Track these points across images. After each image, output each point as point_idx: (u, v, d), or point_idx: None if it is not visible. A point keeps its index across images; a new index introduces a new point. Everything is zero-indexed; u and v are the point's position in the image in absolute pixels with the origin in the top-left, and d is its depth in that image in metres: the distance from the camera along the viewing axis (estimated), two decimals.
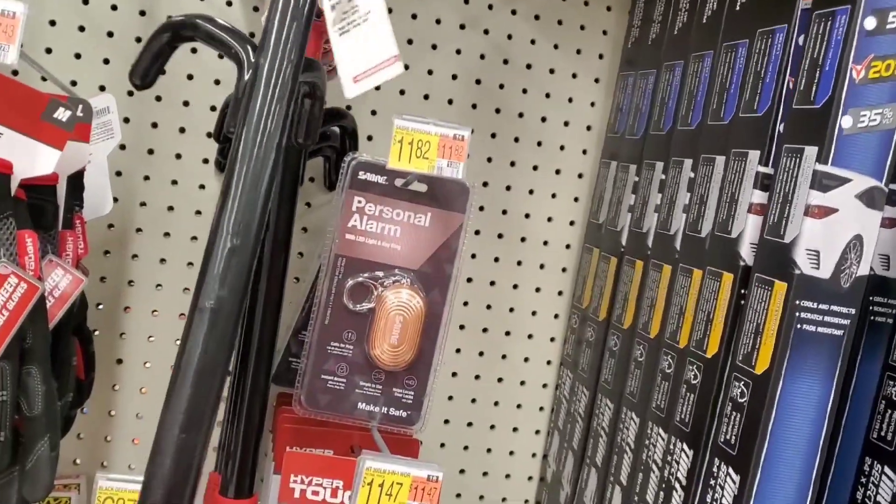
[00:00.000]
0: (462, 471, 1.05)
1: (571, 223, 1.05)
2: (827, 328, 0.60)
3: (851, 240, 0.59)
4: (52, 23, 0.88)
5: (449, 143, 0.67)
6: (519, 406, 1.06)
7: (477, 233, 1.02)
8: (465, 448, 1.05)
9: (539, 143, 1.02)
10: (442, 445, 1.04)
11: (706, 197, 0.73)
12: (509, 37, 0.99)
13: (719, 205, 0.71)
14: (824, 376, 0.60)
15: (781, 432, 0.60)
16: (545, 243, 1.05)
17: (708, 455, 0.67)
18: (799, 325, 0.60)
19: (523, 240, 1.04)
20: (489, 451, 1.06)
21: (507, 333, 1.05)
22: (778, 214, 0.62)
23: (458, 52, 0.98)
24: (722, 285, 0.68)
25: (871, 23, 0.57)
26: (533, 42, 1.00)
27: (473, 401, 1.05)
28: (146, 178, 0.92)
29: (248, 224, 0.53)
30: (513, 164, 1.02)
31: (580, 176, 1.04)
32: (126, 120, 0.90)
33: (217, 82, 0.92)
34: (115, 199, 0.90)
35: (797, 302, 0.59)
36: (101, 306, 0.93)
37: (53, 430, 0.62)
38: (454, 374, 1.03)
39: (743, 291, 0.66)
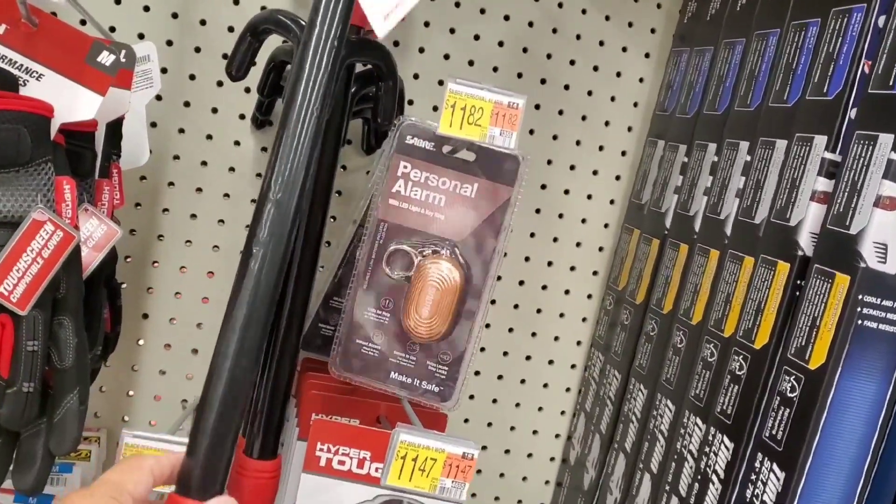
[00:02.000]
0: (484, 447, 1.04)
1: (612, 202, 1.02)
2: (890, 325, 0.57)
3: None
4: None
5: (503, 110, 0.64)
6: (545, 385, 1.04)
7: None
8: (489, 425, 1.03)
9: (584, 118, 0.99)
10: (466, 421, 1.03)
11: (763, 182, 0.70)
12: (560, 5, 0.96)
13: (778, 191, 0.68)
14: (882, 375, 0.58)
15: (833, 430, 0.58)
16: (583, 221, 1.02)
17: (750, 449, 0.65)
18: (860, 321, 0.57)
19: (561, 216, 1.01)
20: (512, 428, 1.04)
21: (539, 311, 1.03)
22: (844, 204, 0.59)
23: (507, 17, 0.95)
24: (776, 274, 0.65)
25: None
26: (584, 12, 0.97)
27: (500, 377, 1.03)
28: (181, 130, 0.90)
29: (292, 182, 0.52)
30: (555, 137, 0.99)
31: (623, 154, 1.01)
32: (164, 70, 0.88)
33: None
34: (150, 151, 0.89)
35: (860, 297, 0.57)
36: (129, 259, 0.92)
37: (83, 384, 0.60)
38: (482, 350, 1.01)
39: (799, 282, 0.63)
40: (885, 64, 0.58)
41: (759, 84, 0.74)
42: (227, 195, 0.92)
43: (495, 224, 0.69)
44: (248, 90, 0.90)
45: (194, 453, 0.52)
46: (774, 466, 0.61)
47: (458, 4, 0.94)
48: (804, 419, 0.59)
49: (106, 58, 0.57)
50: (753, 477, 0.64)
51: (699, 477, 0.71)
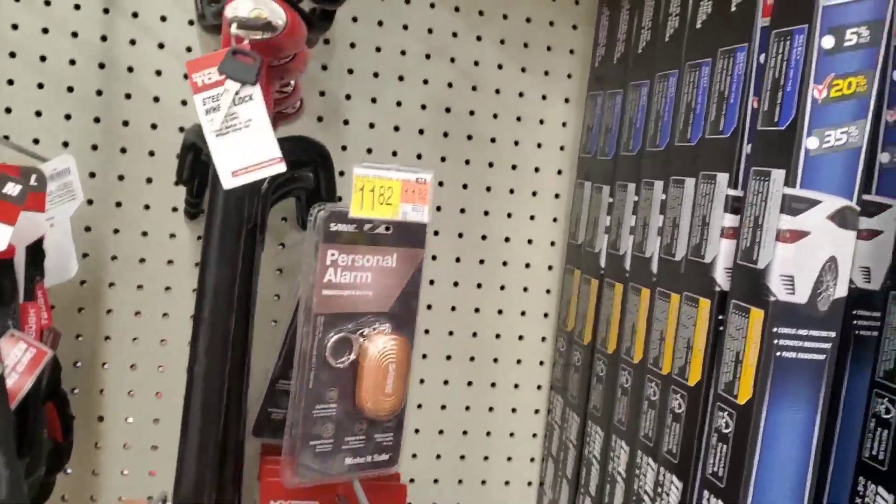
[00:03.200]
0: None
1: (552, 244, 1.03)
2: (807, 354, 0.58)
3: (826, 262, 0.58)
4: (10, 82, 0.87)
5: (412, 186, 0.65)
6: (512, 434, 1.05)
7: (457, 260, 1.01)
8: (460, 482, 1.04)
9: (514, 167, 1.01)
10: (435, 481, 1.03)
11: (678, 220, 0.72)
12: (476, 63, 0.98)
13: (692, 228, 0.69)
14: (808, 403, 0.59)
15: (769, 463, 0.59)
16: (527, 266, 1.03)
17: (697, 487, 0.65)
18: (778, 353, 0.58)
19: (505, 264, 1.03)
20: (484, 482, 1.04)
21: (496, 360, 1.04)
22: (750, 239, 0.61)
23: (426, 81, 0.97)
24: (699, 311, 0.67)
25: (829, 42, 0.56)
26: (500, 66, 0.99)
27: (465, 433, 1.03)
28: (116, 230, 0.91)
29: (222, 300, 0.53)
30: (489, 188, 1.01)
31: (557, 196, 1.03)
32: (92, 175, 0.89)
33: (181, 129, 0.90)
34: (86, 255, 0.89)
35: (774, 329, 0.58)
36: (78, 364, 0.92)
37: None
38: (443, 407, 1.02)
39: (721, 317, 0.65)
40: (769, 100, 0.60)
41: (664, 124, 0.76)
42: (168, 288, 0.93)
43: (415, 286, 0.70)
44: (177, 183, 0.91)
45: None
46: (720, 503, 0.62)
47: (376, 75, 0.95)
48: (741, 454, 0.60)
49: (12, 188, 0.58)
50: None
51: None
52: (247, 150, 0.59)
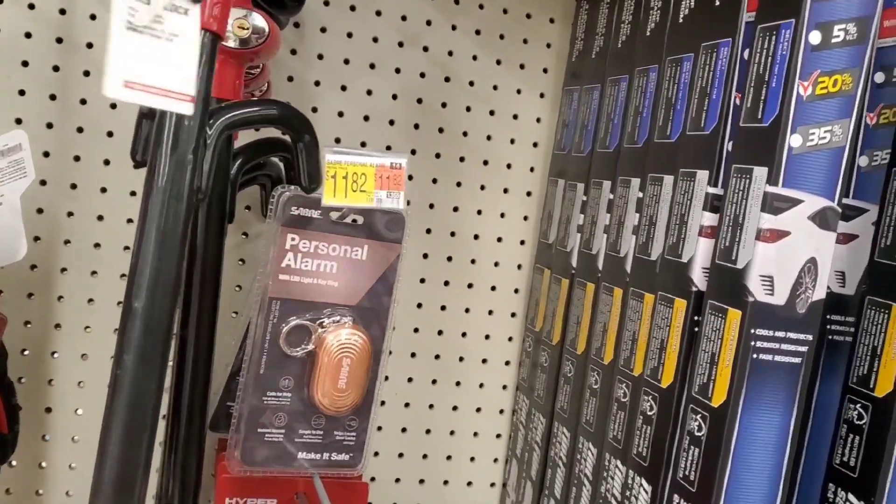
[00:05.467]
0: None
1: (522, 242, 1.01)
2: (784, 356, 0.57)
3: (806, 263, 0.57)
4: None
5: (386, 172, 0.63)
6: (476, 434, 1.03)
7: (425, 256, 0.98)
8: (421, 482, 1.01)
9: (485, 162, 0.99)
10: (397, 480, 1.00)
11: (655, 218, 0.70)
12: (450, 53, 0.96)
13: (669, 227, 0.68)
14: (784, 407, 0.57)
15: (741, 468, 0.57)
16: (496, 264, 1.01)
17: (667, 491, 0.64)
18: (755, 355, 0.57)
19: (473, 261, 1.01)
20: (446, 483, 1.02)
21: (461, 359, 1.01)
22: (729, 238, 0.59)
23: (398, 70, 0.95)
24: (675, 312, 0.65)
25: (815, 37, 0.55)
26: (475, 58, 0.97)
27: (428, 431, 1.01)
28: (70, 213, 0.87)
29: (153, 285, 0.49)
30: (459, 184, 0.98)
31: (528, 194, 1.01)
32: (46, 154, 0.85)
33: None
34: (37, 238, 0.85)
35: (752, 330, 0.57)
36: (26, 352, 0.88)
37: None
38: (407, 405, 0.99)
39: (696, 318, 0.63)
40: (753, 97, 0.59)
41: (643, 120, 0.75)
42: (123, 275, 0.89)
43: (388, 282, 0.67)
44: (136, 165, 0.88)
45: None
46: None
47: (346, 61, 0.93)
48: (713, 458, 0.58)
49: None
50: None
51: None
52: (156, 67, 0.46)
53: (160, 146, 0.50)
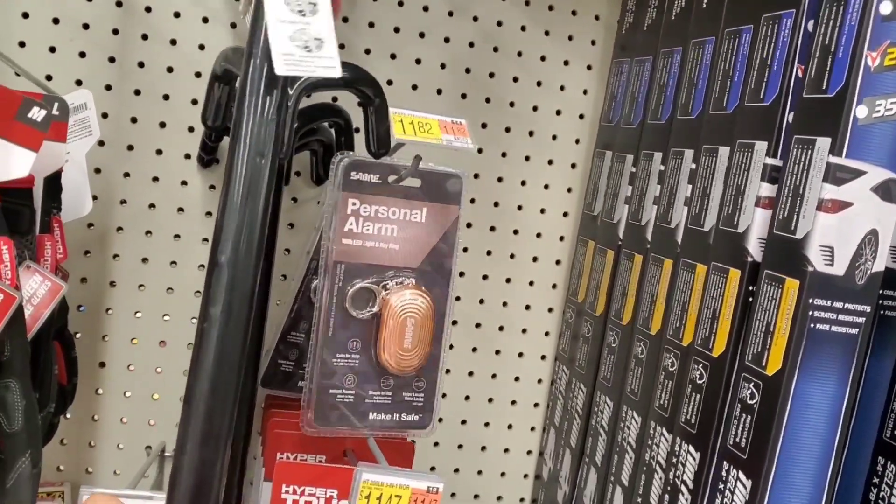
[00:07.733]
0: (457, 470, 1.03)
1: (565, 214, 1.02)
2: (841, 327, 0.58)
3: (867, 235, 0.57)
4: (25, 15, 0.84)
5: (449, 126, 0.64)
6: (513, 402, 1.04)
7: (469, 226, 0.99)
8: (460, 447, 1.03)
9: (531, 133, 0.99)
10: (436, 444, 1.02)
11: (709, 189, 0.70)
12: (499, 24, 0.96)
13: (724, 198, 0.68)
14: (839, 377, 0.58)
15: (795, 435, 0.58)
16: (538, 235, 1.02)
17: (716, 458, 0.65)
18: (812, 325, 0.57)
19: (516, 232, 1.01)
20: (483, 448, 1.04)
21: (501, 328, 1.03)
22: (788, 209, 0.60)
23: (447, 40, 0.95)
24: (728, 282, 0.66)
25: (886, 7, 0.55)
26: (523, 28, 0.97)
27: (467, 398, 1.02)
28: (126, 174, 0.89)
29: (245, 241, 0.51)
30: (504, 154, 0.99)
31: (573, 166, 1.01)
32: (104, 115, 0.87)
33: (198, 75, 0.88)
34: (95, 198, 0.87)
35: (810, 300, 0.57)
36: (82, 308, 0.90)
37: (35, 447, 0.59)
38: (447, 371, 1.01)
39: (751, 288, 0.64)
40: (817, 68, 0.59)
41: (698, 92, 0.75)
42: (177, 236, 0.91)
43: (448, 244, 0.68)
44: (191, 129, 0.89)
45: None
46: (740, 475, 0.62)
47: (397, 30, 0.93)
48: (765, 426, 0.59)
49: (37, 113, 0.56)
50: (721, 486, 0.64)
51: (669, 488, 0.71)
52: (307, 39, 0.51)
53: (245, 105, 0.51)
